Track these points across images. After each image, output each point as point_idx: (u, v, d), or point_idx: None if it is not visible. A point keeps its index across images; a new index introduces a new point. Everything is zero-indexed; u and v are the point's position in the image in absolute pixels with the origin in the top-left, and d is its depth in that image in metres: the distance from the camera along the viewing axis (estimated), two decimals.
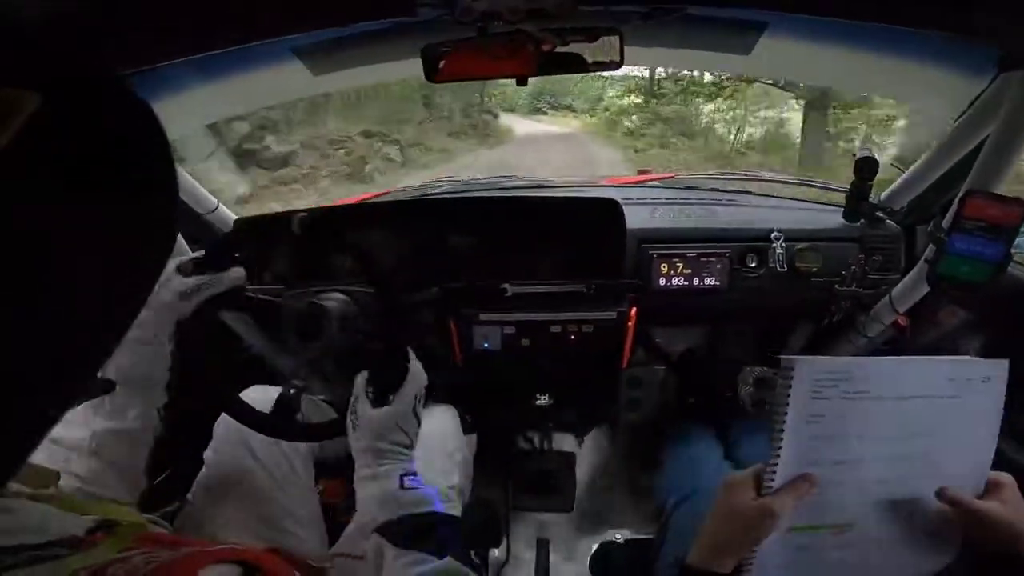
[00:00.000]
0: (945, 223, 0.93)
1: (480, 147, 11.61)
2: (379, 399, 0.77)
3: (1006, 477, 0.60)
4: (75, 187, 0.30)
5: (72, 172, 0.30)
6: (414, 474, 0.76)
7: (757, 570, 0.59)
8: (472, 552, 0.69)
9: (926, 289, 1.01)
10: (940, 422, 0.58)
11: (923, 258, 1.01)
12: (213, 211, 1.29)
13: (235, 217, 1.33)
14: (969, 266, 0.90)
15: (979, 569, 0.60)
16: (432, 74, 0.92)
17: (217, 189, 1.39)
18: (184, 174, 1.25)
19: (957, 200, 0.90)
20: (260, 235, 1.16)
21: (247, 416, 0.86)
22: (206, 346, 0.86)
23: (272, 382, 1.05)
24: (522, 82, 0.95)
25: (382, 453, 0.75)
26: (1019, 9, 0.64)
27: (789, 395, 0.55)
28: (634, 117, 13.40)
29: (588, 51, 0.88)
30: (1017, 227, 0.86)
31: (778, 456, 0.57)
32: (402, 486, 0.73)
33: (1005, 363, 0.58)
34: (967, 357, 0.60)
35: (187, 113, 1.24)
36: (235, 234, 0.87)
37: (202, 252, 0.86)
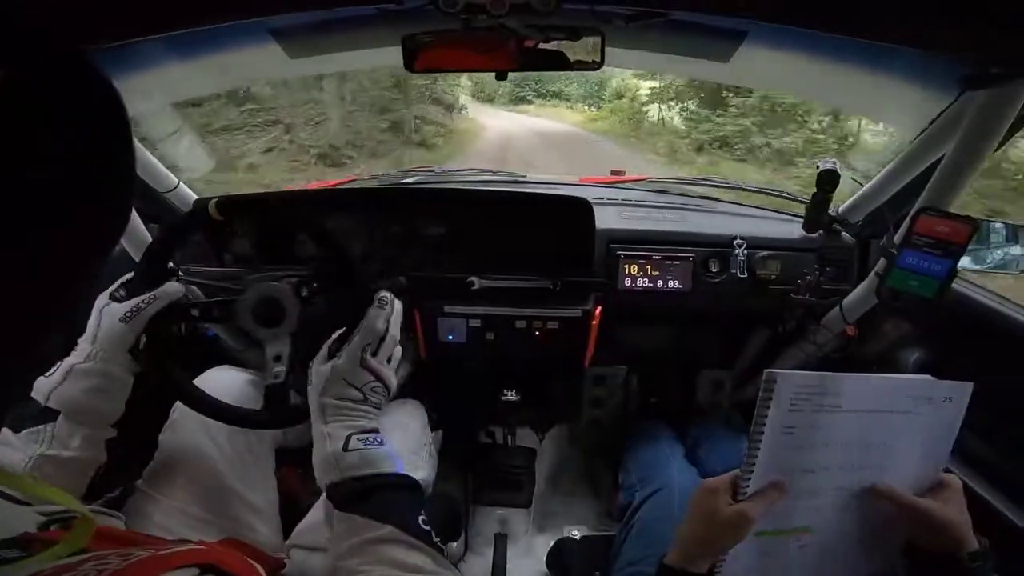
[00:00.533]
0: (897, 238, 0.98)
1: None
2: (333, 354, 0.75)
3: (952, 479, 0.63)
4: (26, 159, 0.29)
5: (25, 143, 0.29)
6: (369, 432, 0.71)
7: (727, 572, 0.62)
8: (425, 522, 0.66)
9: (875, 301, 1.06)
10: (896, 435, 0.61)
11: (874, 271, 1.06)
12: (173, 189, 1.26)
13: (196, 197, 1.29)
14: (917, 281, 0.95)
15: (918, 570, 0.63)
16: (411, 64, 0.91)
17: (182, 168, 1.35)
18: (144, 151, 1.20)
19: (909, 217, 0.95)
20: (247, 212, 1.12)
21: (210, 407, 0.84)
22: (166, 360, 0.84)
23: (234, 363, 1.03)
24: (501, 77, 0.95)
25: (327, 410, 0.72)
26: (985, 29, 0.67)
27: (769, 406, 0.57)
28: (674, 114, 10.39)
29: (570, 49, 0.89)
30: (965, 245, 0.91)
31: (754, 463, 0.59)
32: (346, 447, 0.69)
33: (969, 386, 0.61)
34: (928, 378, 0.62)
35: (156, 90, 1.19)
36: (236, 198, 0.85)
37: (131, 275, 0.83)
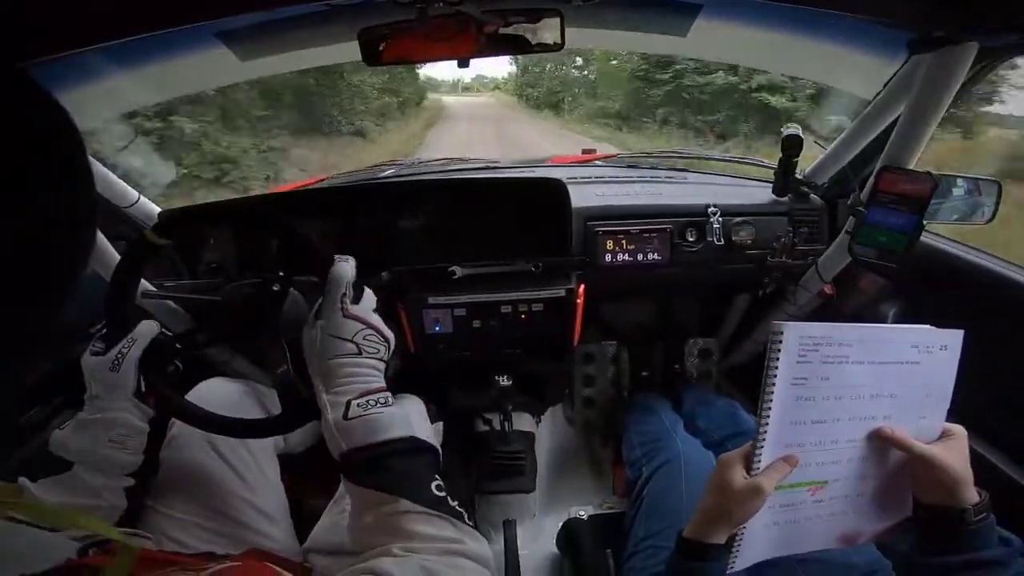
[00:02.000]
0: (863, 197, 1.00)
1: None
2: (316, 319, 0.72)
3: (957, 428, 0.65)
4: None
5: None
6: (370, 393, 0.67)
7: (748, 532, 0.64)
8: (439, 488, 0.63)
9: (848, 259, 1.09)
10: (903, 385, 0.63)
11: (844, 230, 1.09)
12: (135, 204, 1.21)
13: (159, 209, 1.25)
14: (886, 236, 0.98)
15: (924, 524, 0.64)
16: (371, 58, 0.89)
17: (138, 181, 1.30)
18: (101, 167, 1.16)
19: (873, 175, 0.98)
20: (188, 227, 1.09)
21: (213, 423, 0.82)
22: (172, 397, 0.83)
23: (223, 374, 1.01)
24: (463, 64, 0.93)
25: (326, 376, 0.68)
26: None
27: (779, 357, 0.58)
28: None
29: (530, 32, 0.88)
30: (928, 199, 0.93)
31: (764, 433, 0.60)
32: (346, 415, 0.65)
33: (960, 333, 0.63)
34: (927, 327, 0.64)
35: (102, 103, 1.15)
36: (175, 214, 0.82)
37: (102, 326, 0.83)
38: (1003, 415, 0.96)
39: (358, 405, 0.65)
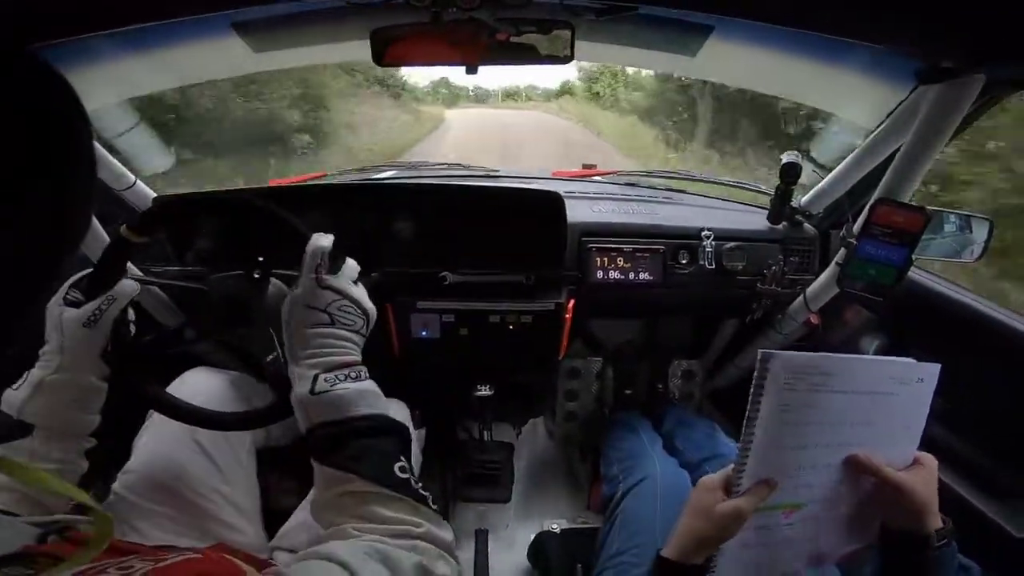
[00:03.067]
0: (855, 228, 1.02)
1: None
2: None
3: (928, 457, 0.66)
4: None
5: None
6: (341, 368, 0.64)
7: (724, 554, 0.65)
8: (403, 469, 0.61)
9: (836, 290, 1.10)
10: (880, 415, 0.64)
11: (835, 261, 1.10)
12: (130, 187, 1.21)
13: (154, 195, 1.25)
14: (876, 269, 0.99)
15: (888, 548, 0.66)
16: (380, 58, 0.90)
17: (137, 165, 1.30)
18: (99, 149, 1.15)
19: (867, 207, 0.99)
20: (182, 214, 1.09)
21: (193, 415, 0.80)
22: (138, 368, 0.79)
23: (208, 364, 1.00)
24: (471, 70, 0.95)
25: (296, 347, 0.66)
26: (937, 26, 0.70)
27: (764, 385, 0.59)
28: None
29: (540, 43, 0.89)
30: (920, 234, 0.95)
31: (747, 456, 0.61)
32: (313, 389, 0.62)
33: (937, 367, 0.65)
34: (908, 360, 0.65)
35: (108, 85, 1.14)
36: (155, 212, 0.80)
37: (79, 275, 0.78)
38: (973, 446, 0.97)
39: (325, 380, 0.63)
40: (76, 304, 0.73)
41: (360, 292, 0.71)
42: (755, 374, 0.59)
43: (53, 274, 0.36)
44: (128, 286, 0.77)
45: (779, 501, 0.64)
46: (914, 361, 0.65)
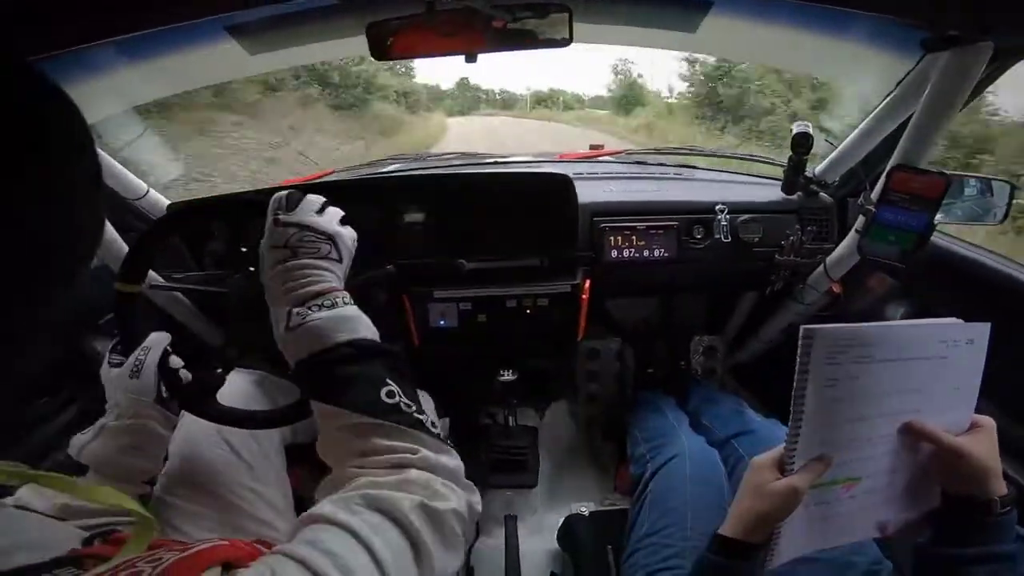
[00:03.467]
0: (873, 195, 0.99)
1: None
2: None
3: (986, 419, 0.65)
4: None
5: None
6: (313, 298, 0.61)
7: (783, 531, 0.64)
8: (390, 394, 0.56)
9: (857, 257, 1.08)
10: (931, 380, 0.63)
11: (853, 228, 1.08)
12: (143, 197, 1.22)
13: (167, 202, 1.26)
14: (896, 235, 0.97)
15: (949, 513, 0.65)
16: (378, 53, 0.89)
17: (147, 173, 1.31)
18: (110, 159, 1.17)
19: (884, 174, 0.97)
20: (196, 220, 1.10)
21: (222, 415, 0.82)
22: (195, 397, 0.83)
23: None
24: (471, 59, 0.93)
25: (269, 289, 0.64)
26: None
27: (809, 362, 0.58)
28: None
29: (538, 28, 0.88)
30: (940, 198, 0.92)
31: (797, 434, 0.61)
32: (288, 325, 0.59)
33: (987, 327, 0.63)
34: (954, 321, 0.64)
35: (110, 96, 1.15)
36: (170, 219, 0.81)
37: (115, 339, 0.83)
38: (1008, 416, 0.95)
39: (297, 313, 0.60)
40: (117, 365, 0.79)
41: (322, 220, 0.68)
42: (798, 351, 0.58)
43: (69, 283, 0.37)
44: (157, 337, 0.81)
45: (836, 476, 0.64)
46: (960, 321, 0.63)
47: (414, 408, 0.56)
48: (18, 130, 0.31)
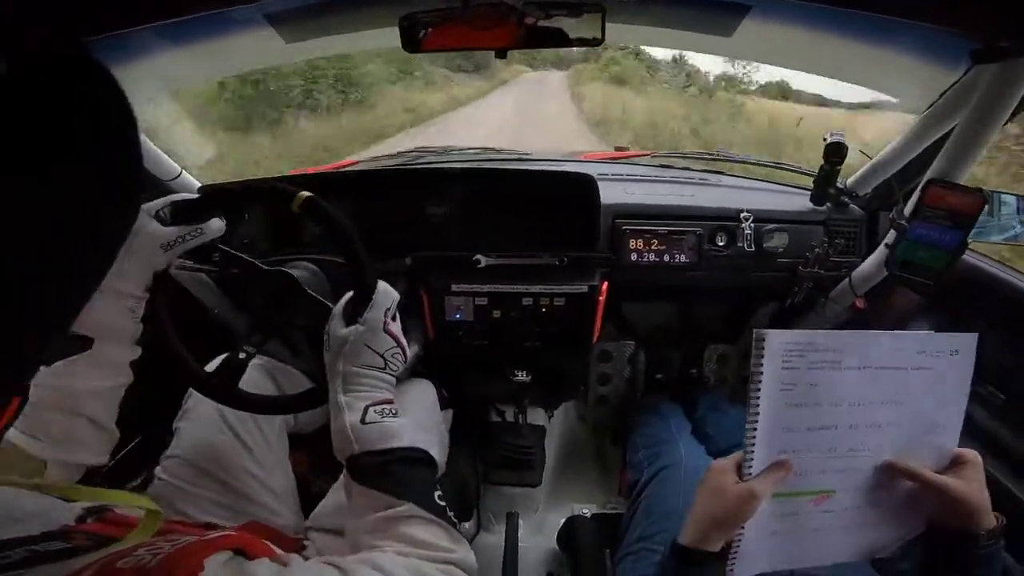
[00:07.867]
0: (907, 210, 0.97)
1: None
2: (351, 320, 0.73)
3: (971, 454, 0.63)
4: (34, 155, 0.29)
5: (32, 139, 0.29)
6: (385, 403, 0.70)
7: (745, 541, 0.63)
8: (440, 498, 0.66)
9: (885, 273, 1.06)
10: (909, 391, 0.61)
11: (883, 243, 1.05)
12: (176, 178, 1.25)
13: (199, 184, 1.29)
14: (928, 253, 0.94)
15: (933, 543, 0.64)
16: (410, 45, 0.90)
17: (181, 154, 1.34)
18: (145, 140, 1.20)
19: (920, 188, 0.94)
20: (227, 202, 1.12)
21: (224, 394, 0.84)
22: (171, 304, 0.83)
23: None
24: (501, 55, 0.93)
25: (349, 378, 0.70)
26: (994, 4, 0.65)
27: (762, 364, 0.58)
28: None
29: (570, 26, 0.87)
30: (976, 217, 0.89)
31: (754, 438, 0.60)
32: (363, 419, 0.68)
33: (974, 337, 0.61)
34: (929, 331, 0.63)
35: (152, 78, 1.18)
36: (201, 201, 0.83)
37: (180, 198, 0.80)
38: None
39: (375, 411, 0.69)
40: (163, 222, 0.76)
41: (406, 341, 0.77)
42: (752, 354, 0.58)
43: (106, 262, 0.38)
44: (216, 225, 0.80)
45: (804, 487, 0.63)
46: (935, 332, 0.62)
47: (453, 513, 0.66)
48: (70, 109, 0.32)
